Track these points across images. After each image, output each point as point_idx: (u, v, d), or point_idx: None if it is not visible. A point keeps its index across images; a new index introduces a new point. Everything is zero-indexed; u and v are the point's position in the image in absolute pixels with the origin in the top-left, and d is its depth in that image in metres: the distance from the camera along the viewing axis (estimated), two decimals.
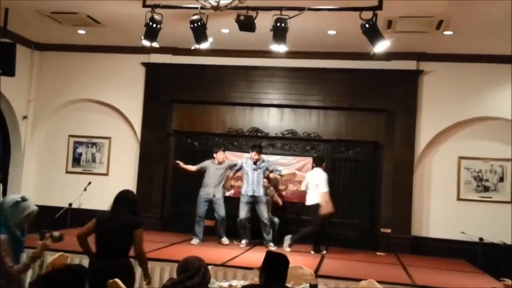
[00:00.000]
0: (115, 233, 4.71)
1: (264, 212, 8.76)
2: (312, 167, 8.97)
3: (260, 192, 8.79)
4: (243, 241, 8.81)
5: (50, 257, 5.62)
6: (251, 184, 8.80)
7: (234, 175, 9.48)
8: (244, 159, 9.10)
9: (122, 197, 4.97)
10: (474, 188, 9.49)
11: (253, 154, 8.87)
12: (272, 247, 8.46)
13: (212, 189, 8.90)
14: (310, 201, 8.67)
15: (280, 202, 9.49)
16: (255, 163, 8.86)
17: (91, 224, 4.81)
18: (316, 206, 8.53)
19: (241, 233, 8.90)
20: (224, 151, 9.29)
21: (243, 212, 8.81)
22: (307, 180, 8.78)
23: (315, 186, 8.59)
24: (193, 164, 9.29)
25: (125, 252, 4.79)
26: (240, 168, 9.03)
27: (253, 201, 8.81)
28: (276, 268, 3.68)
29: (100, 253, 4.75)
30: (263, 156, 9.10)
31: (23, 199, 3.72)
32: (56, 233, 3.92)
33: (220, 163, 9.04)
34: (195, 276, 3.75)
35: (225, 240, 8.84)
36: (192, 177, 9.75)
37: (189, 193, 10.11)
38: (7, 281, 3.33)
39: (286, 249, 8.40)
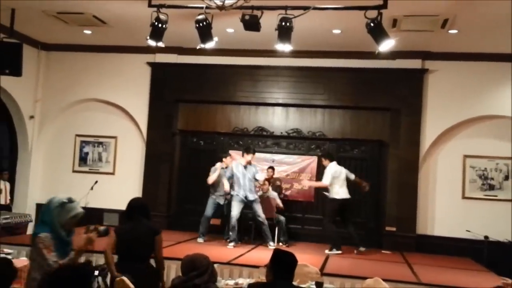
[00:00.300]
0: (139, 240, 4.77)
1: (259, 211, 8.66)
2: (328, 162, 8.69)
3: (253, 196, 8.68)
4: (231, 244, 8.48)
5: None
6: (243, 190, 8.63)
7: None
8: (234, 164, 8.83)
9: (138, 205, 5.02)
10: (479, 187, 9.49)
11: (250, 157, 8.74)
12: (272, 246, 8.43)
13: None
14: (347, 194, 8.62)
15: (282, 207, 9.41)
16: (245, 167, 8.72)
17: (111, 239, 4.77)
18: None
19: (230, 234, 8.61)
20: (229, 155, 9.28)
21: (236, 211, 8.60)
22: (335, 173, 8.53)
23: (343, 179, 8.58)
24: (199, 163, 9.33)
25: (148, 258, 4.88)
26: (232, 176, 8.80)
27: (247, 203, 8.69)
28: (285, 266, 3.69)
29: (124, 262, 4.76)
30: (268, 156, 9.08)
31: (70, 201, 3.72)
32: (101, 227, 3.86)
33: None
34: (204, 274, 3.78)
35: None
36: (197, 176, 9.82)
37: (195, 192, 10.17)
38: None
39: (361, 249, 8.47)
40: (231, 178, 8.80)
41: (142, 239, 4.77)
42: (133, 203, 5.01)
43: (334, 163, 8.67)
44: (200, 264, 3.82)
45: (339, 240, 8.52)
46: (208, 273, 3.79)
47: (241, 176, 8.67)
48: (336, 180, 8.54)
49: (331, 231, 8.58)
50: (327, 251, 8.40)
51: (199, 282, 3.73)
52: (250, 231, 9.17)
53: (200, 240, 8.78)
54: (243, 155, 8.85)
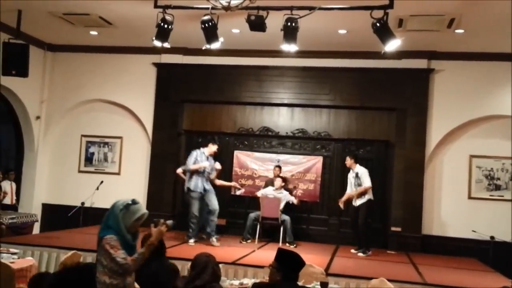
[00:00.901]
0: None
1: (214, 201, 8.49)
2: (354, 163, 8.67)
3: (208, 186, 8.50)
4: (192, 240, 8.33)
5: (63, 255, 5.68)
6: (201, 180, 8.44)
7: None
8: (199, 152, 8.57)
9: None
10: (485, 187, 9.46)
11: (215, 148, 8.66)
12: (216, 243, 8.30)
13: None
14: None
15: (297, 203, 9.43)
16: (207, 157, 8.57)
17: None
18: None
19: (191, 231, 8.40)
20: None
21: (196, 207, 8.44)
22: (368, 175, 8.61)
23: None
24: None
25: None
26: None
27: (204, 196, 8.52)
28: (294, 266, 3.69)
29: None
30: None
31: (134, 202, 3.59)
32: (169, 221, 3.76)
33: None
34: (203, 273, 3.75)
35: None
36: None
37: None
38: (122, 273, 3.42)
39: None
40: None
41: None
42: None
43: (359, 165, 8.67)
44: (199, 262, 3.80)
45: (370, 241, 8.55)
46: (208, 273, 3.75)
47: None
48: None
49: (365, 233, 8.52)
50: (359, 254, 8.34)
51: (200, 283, 3.70)
52: (255, 231, 9.15)
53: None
54: (207, 146, 8.66)
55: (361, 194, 8.49)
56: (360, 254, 8.32)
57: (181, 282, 3.93)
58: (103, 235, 3.51)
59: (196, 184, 8.44)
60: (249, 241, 8.97)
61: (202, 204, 8.53)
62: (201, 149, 8.67)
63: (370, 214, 8.67)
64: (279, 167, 9.73)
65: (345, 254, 8.42)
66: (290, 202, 9.30)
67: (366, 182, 8.44)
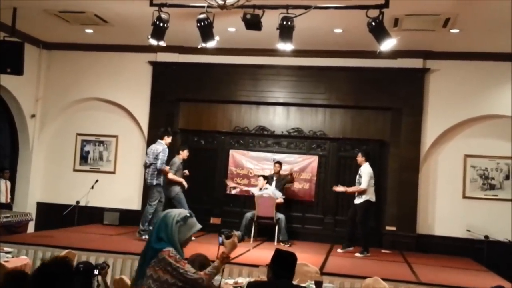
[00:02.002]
0: None
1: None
2: (364, 160, 8.63)
3: (152, 182, 8.44)
4: (146, 236, 8.07)
5: (58, 254, 5.66)
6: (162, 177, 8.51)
7: None
8: (166, 149, 8.51)
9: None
10: (479, 186, 9.49)
11: (170, 139, 8.63)
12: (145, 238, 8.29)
13: None
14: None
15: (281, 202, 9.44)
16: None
17: None
18: None
19: (146, 225, 8.39)
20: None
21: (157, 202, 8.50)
22: (371, 175, 8.51)
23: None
24: (199, 163, 9.31)
25: None
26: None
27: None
28: (284, 265, 3.70)
29: None
30: None
31: (191, 215, 3.27)
32: (238, 232, 3.53)
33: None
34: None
35: None
36: (198, 175, 9.83)
37: (195, 191, 10.17)
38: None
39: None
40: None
41: None
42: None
43: (368, 164, 8.61)
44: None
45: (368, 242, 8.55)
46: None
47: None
48: (372, 182, 8.52)
49: (363, 234, 8.49)
50: (357, 254, 8.31)
51: None
52: (250, 230, 9.15)
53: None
54: (162, 138, 8.57)
55: (359, 193, 8.49)
56: (358, 255, 8.31)
57: None
58: (161, 247, 3.10)
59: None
60: (244, 238, 8.94)
61: None
62: (162, 144, 8.55)
63: (368, 215, 8.65)
64: (280, 163, 9.71)
65: (340, 253, 8.43)
66: (277, 201, 9.18)
67: (363, 183, 8.42)
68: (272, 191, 9.22)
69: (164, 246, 3.09)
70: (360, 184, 8.45)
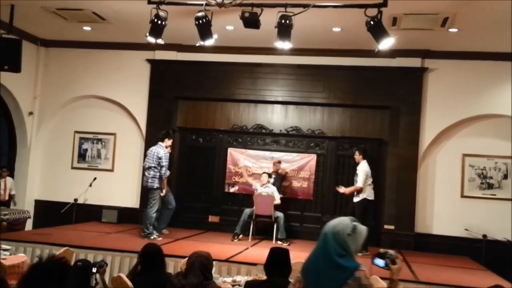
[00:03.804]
0: None
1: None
2: (362, 158, 8.62)
3: (153, 185, 8.45)
4: (155, 235, 8.42)
5: (56, 252, 5.66)
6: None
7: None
8: (165, 149, 8.59)
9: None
10: (478, 186, 9.50)
11: (170, 142, 8.65)
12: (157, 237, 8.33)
13: None
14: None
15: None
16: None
17: None
18: None
19: (151, 228, 8.44)
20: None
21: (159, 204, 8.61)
22: (368, 173, 8.47)
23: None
24: (198, 161, 9.27)
25: None
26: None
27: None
28: (276, 262, 3.70)
29: None
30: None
31: (355, 220, 2.91)
32: (395, 253, 3.17)
33: None
34: (189, 275, 3.73)
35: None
36: (196, 174, 9.83)
37: (193, 189, 10.18)
38: None
39: None
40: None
41: None
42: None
43: (365, 161, 8.59)
44: (187, 263, 3.79)
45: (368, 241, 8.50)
46: (194, 274, 3.73)
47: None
48: (369, 180, 8.50)
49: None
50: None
51: (190, 281, 3.68)
52: (248, 227, 9.14)
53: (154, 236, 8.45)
54: (163, 141, 8.57)
55: (356, 192, 8.48)
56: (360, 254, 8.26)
57: (174, 277, 3.93)
58: (357, 266, 2.75)
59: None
60: (240, 236, 8.94)
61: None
62: (163, 147, 8.55)
63: (367, 214, 8.63)
64: (279, 162, 9.72)
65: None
66: (274, 202, 9.13)
67: (359, 181, 8.42)
68: (272, 191, 9.22)
69: (358, 265, 2.76)
70: (357, 182, 8.45)
